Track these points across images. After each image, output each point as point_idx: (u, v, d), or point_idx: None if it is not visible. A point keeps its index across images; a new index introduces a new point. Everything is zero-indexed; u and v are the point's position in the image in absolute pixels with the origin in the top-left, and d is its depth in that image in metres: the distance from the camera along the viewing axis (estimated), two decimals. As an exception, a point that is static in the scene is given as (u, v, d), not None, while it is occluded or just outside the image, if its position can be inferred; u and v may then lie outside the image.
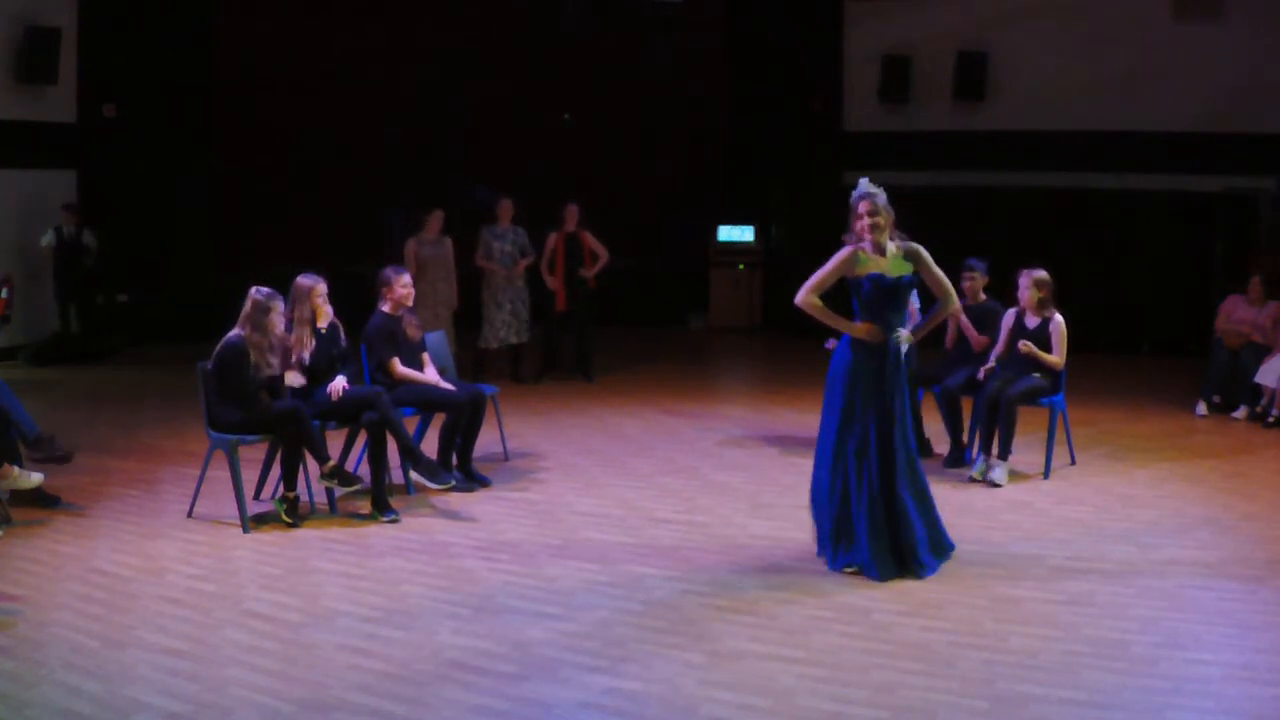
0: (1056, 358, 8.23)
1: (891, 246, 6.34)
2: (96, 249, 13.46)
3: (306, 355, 7.55)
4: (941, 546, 6.44)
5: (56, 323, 13.42)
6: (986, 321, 8.73)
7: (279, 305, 7.31)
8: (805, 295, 6.39)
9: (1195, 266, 13.27)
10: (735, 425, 10.14)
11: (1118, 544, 6.77)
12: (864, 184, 6.39)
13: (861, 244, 6.34)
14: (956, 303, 6.65)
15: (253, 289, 7.31)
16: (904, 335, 6.37)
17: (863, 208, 6.30)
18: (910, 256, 6.37)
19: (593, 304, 12.16)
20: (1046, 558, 6.53)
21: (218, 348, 7.23)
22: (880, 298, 6.31)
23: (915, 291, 9.32)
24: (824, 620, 5.67)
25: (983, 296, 8.85)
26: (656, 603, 5.93)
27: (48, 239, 13.26)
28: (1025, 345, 8.19)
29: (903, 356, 6.37)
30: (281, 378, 7.40)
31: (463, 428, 8.05)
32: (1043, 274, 8.30)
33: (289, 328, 7.53)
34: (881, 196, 6.32)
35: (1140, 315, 13.62)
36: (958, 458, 8.57)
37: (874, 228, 6.30)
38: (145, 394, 11.52)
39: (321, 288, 7.67)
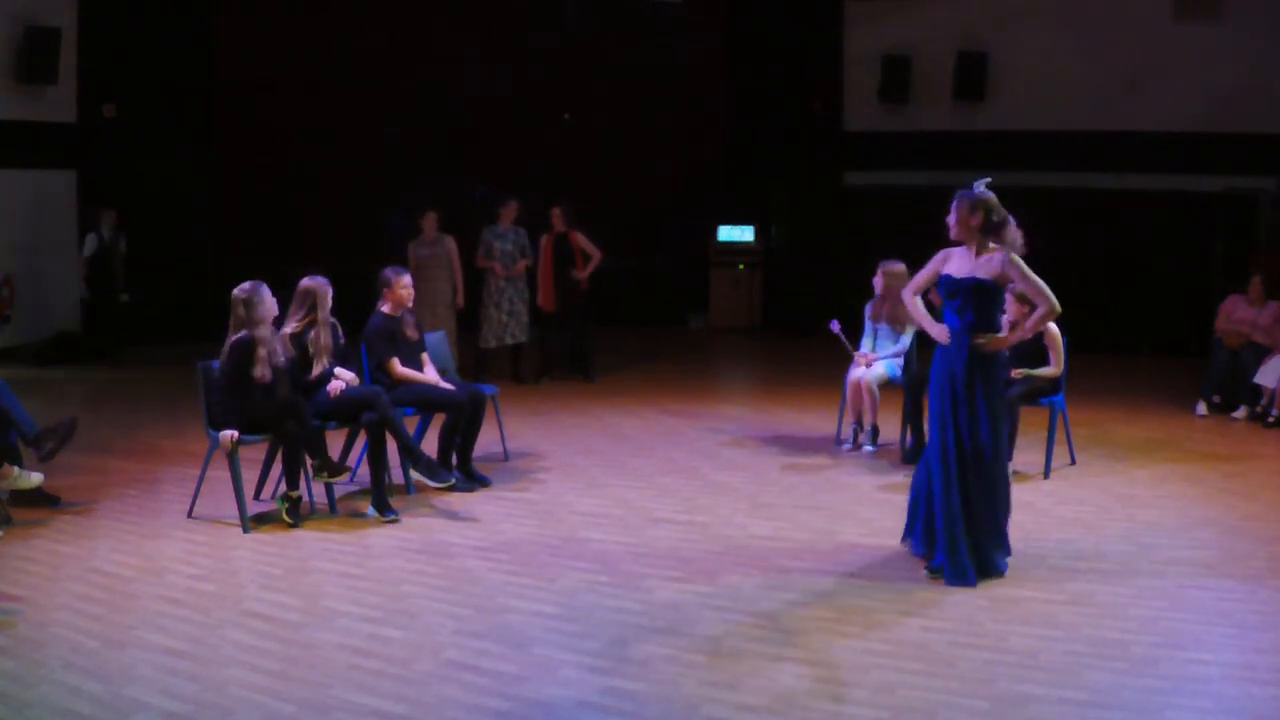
0: (1054, 370, 8.25)
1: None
2: (124, 252, 13.41)
3: (328, 360, 7.56)
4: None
5: (76, 324, 13.42)
6: None
7: (263, 292, 7.28)
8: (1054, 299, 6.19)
9: (1195, 266, 13.27)
10: (735, 425, 10.14)
11: (1118, 544, 6.77)
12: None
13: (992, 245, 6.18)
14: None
15: (235, 291, 7.27)
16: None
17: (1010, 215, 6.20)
18: None
19: (587, 304, 12.14)
20: (1046, 558, 6.53)
21: (228, 347, 7.22)
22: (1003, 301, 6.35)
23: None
24: (824, 620, 5.67)
25: None
26: (656, 603, 5.93)
27: (91, 246, 13.06)
28: (1018, 373, 8.18)
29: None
30: (282, 380, 7.39)
31: (463, 428, 8.05)
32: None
33: (306, 332, 7.54)
34: None
35: (1140, 315, 13.63)
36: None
37: None
38: (145, 394, 11.53)
39: (331, 289, 7.69)
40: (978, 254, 6.20)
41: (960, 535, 6.13)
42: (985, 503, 6.21)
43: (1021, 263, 6.13)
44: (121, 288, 13.49)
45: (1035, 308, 8.16)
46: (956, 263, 6.27)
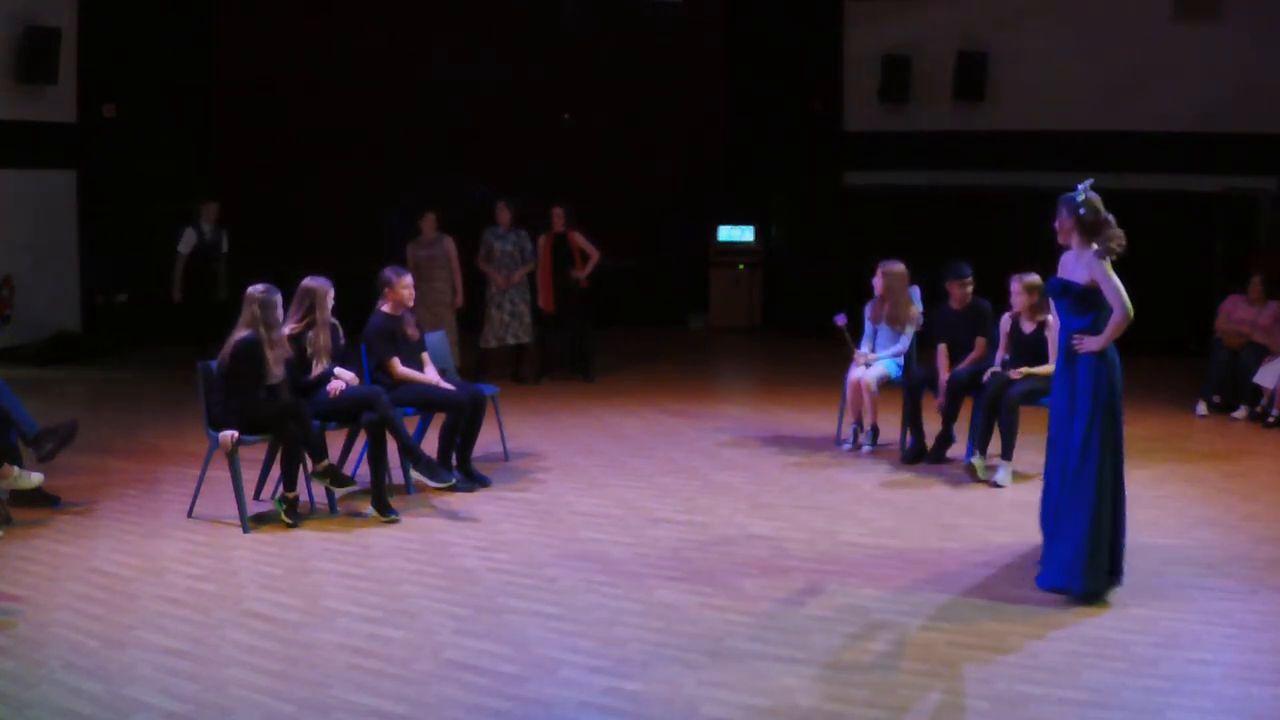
0: (1050, 368, 8.16)
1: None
2: (227, 252, 12.57)
3: (327, 361, 7.57)
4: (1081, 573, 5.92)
5: (76, 324, 13.31)
6: (977, 319, 8.72)
7: (279, 298, 7.34)
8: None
9: (1195, 266, 13.26)
10: (735, 425, 10.13)
11: (1118, 544, 6.76)
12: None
13: (1093, 246, 6.11)
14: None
15: (250, 289, 7.31)
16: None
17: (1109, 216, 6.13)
18: None
19: (587, 305, 12.13)
20: (1046, 558, 6.52)
21: (232, 345, 7.23)
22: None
23: (919, 292, 9.39)
24: (824, 620, 5.67)
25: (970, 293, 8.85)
26: (656, 603, 5.93)
27: (189, 243, 12.27)
28: (1020, 372, 8.16)
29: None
30: (283, 382, 7.40)
31: (462, 428, 8.05)
32: (1034, 278, 8.26)
33: (305, 332, 7.56)
34: None
35: (1140, 315, 13.57)
36: (942, 450, 8.65)
37: None
38: (145, 394, 11.52)
39: (333, 290, 7.70)
40: (1078, 256, 6.15)
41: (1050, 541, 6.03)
42: (1069, 513, 5.93)
43: (1105, 265, 6.04)
44: (222, 291, 12.36)
45: (1043, 297, 8.21)
46: (1065, 266, 6.24)
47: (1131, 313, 6.05)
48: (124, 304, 14.20)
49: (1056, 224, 6.21)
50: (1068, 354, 6.15)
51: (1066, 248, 6.23)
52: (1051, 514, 6.10)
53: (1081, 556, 5.85)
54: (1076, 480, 5.94)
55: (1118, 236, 6.12)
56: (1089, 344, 6.08)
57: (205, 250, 12.41)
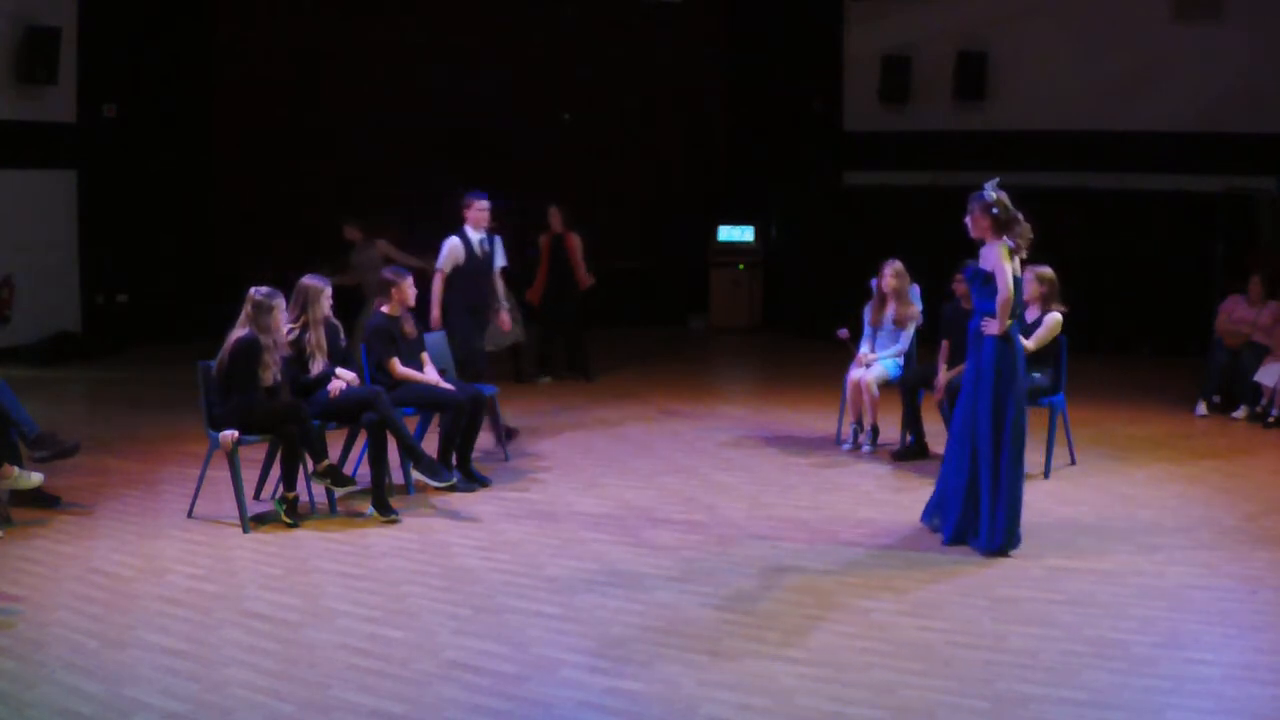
0: (1027, 344, 7.94)
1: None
2: (507, 267, 9.50)
3: (324, 360, 7.57)
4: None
5: (76, 324, 13.31)
6: None
7: (281, 303, 7.33)
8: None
9: (1195, 266, 13.26)
10: (735, 425, 10.13)
11: (1118, 544, 6.77)
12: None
13: (1004, 239, 6.62)
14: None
15: (252, 290, 7.32)
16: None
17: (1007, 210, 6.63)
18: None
19: (578, 305, 12.12)
20: (1046, 558, 6.53)
21: (230, 344, 7.22)
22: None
23: (919, 292, 9.39)
24: (824, 620, 5.67)
25: None
26: (656, 603, 5.93)
27: (451, 258, 8.99)
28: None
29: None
30: (282, 383, 7.39)
31: (462, 428, 8.05)
32: (1047, 270, 8.29)
33: (304, 331, 7.55)
34: None
35: (1140, 315, 13.61)
36: None
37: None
38: (145, 394, 11.52)
39: (329, 289, 7.70)
40: (989, 248, 6.66)
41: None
42: (970, 487, 6.72)
43: (1002, 252, 6.56)
44: (512, 328, 9.93)
45: (1051, 289, 8.23)
46: (983, 257, 6.73)
47: (1010, 294, 6.56)
48: (124, 304, 14.19)
49: (969, 220, 6.71)
50: (976, 334, 6.72)
51: (980, 241, 6.71)
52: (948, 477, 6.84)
53: (1000, 517, 6.55)
54: (980, 450, 6.63)
55: (1026, 232, 6.65)
56: (989, 326, 6.61)
57: (477, 267, 9.11)
